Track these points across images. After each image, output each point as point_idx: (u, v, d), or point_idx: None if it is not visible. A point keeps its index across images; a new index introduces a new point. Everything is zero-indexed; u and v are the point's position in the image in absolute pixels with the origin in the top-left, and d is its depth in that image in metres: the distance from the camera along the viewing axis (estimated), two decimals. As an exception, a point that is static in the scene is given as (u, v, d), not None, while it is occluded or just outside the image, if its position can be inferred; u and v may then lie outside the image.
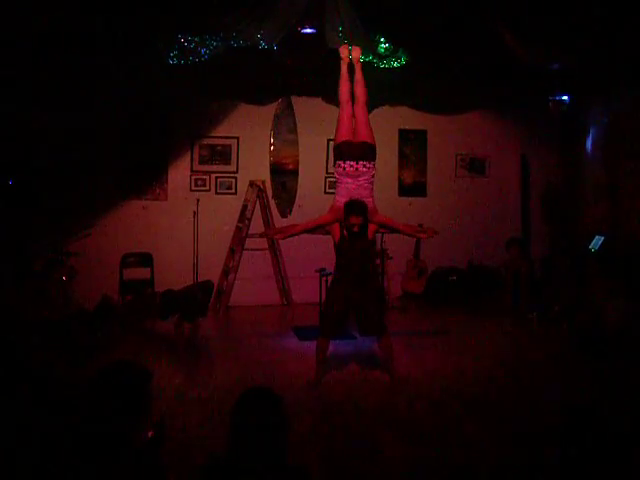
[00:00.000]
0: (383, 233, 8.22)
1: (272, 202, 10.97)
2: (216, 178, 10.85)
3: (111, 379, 2.89)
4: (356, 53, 7.27)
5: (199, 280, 9.74)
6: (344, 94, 7.14)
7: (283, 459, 2.68)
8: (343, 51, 7.29)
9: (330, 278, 7.38)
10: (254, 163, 10.96)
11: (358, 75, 7.19)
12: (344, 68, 7.24)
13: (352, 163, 6.86)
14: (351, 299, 6.76)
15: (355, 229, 6.60)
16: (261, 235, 8.20)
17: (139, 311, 8.94)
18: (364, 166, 6.83)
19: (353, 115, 7.08)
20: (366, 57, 9.06)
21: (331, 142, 9.80)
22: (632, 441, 2.61)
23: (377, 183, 11.11)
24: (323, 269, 9.70)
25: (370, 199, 6.80)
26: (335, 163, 7.00)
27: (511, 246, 10.77)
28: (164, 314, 8.82)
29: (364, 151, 6.89)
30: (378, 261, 10.59)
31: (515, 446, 5.13)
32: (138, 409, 2.88)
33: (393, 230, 7.11)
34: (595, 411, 2.60)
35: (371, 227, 6.79)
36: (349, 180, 6.84)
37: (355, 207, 6.60)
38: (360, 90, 7.12)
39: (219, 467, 2.71)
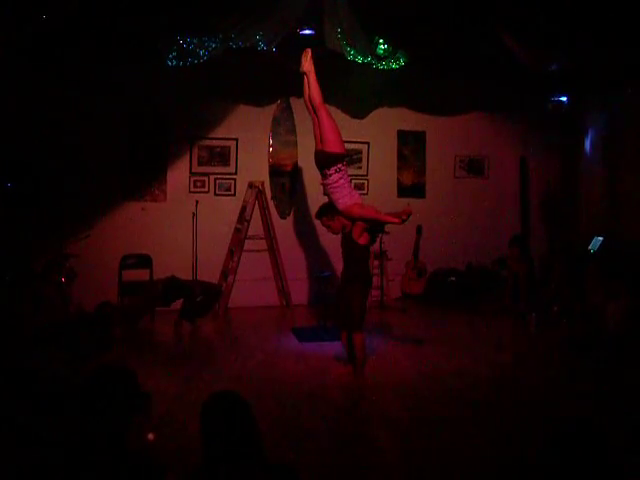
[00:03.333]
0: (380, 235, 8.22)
1: (271, 203, 10.97)
2: (215, 179, 10.84)
3: (96, 383, 2.91)
4: (306, 55, 6.89)
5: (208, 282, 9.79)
6: (305, 101, 7.08)
7: (259, 459, 2.69)
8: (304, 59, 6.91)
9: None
10: (253, 164, 10.96)
11: (310, 78, 6.88)
12: (305, 79, 6.95)
13: (320, 173, 7.05)
14: (342, 294, 7.15)
15: (330, 231, 7.28)
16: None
17: (143, 302, 8.97)
18: (323, 175, 6.92)
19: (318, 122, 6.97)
20: (365, 58, 9.08)
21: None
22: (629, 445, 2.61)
23: (376, 184, 11.33)
24: (322, 271, 9.72)
25: (343, 199, 6.82)
26: None
27: (512, 246, 10.78)
28: (167, 300, 8.85)
29: (319, 160, 6.99)
30: (377, 262, 10.62)
31: (513, 448, 5.14)
32: (128, 410, 2.89)
33: (371, 221, 6.95)
34: (592, 418, 2.61)
35: (359, 225, 6.87)
36: (324, 189, 7.10)
37: (317, 213, 7.36)
38: (313, 93, 6.87)
39: (199, 475, 2.73)
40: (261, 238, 10.76)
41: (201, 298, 8.90)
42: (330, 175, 6.82)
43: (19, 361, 6.59)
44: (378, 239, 9.66)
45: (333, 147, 6.86)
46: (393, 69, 9.50)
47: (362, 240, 6.95)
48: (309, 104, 6.98)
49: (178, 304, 9.42)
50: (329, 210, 7.12)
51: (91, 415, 2.82)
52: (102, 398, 2.84)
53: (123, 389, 2.91)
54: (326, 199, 7.23)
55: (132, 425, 2.91)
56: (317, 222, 7.60)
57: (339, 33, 8.37)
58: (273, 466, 2.77)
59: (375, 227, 6.97)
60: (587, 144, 11.22)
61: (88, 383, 2.92)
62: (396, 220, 6.67)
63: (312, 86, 6.88)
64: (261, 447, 2.71)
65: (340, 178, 6.81)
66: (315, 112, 6.92)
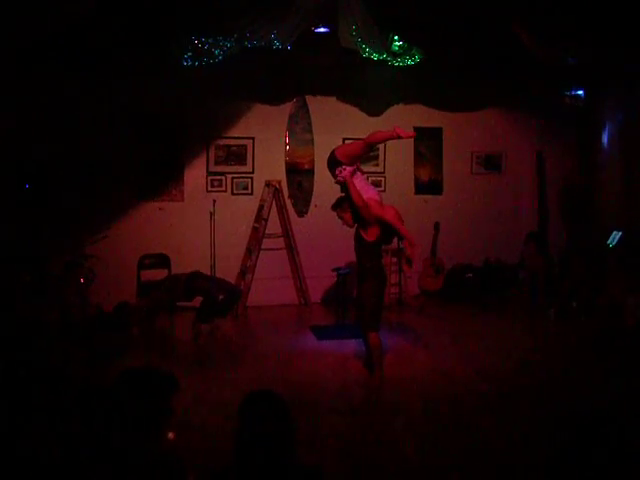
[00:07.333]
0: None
1: (288, 202, 10.97)
2: (232, 179, 10.86)
3: (139, 385, 2.95)
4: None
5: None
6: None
7: (292, 459, 2.70)
8: None
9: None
10: (270, 163, 10.96)
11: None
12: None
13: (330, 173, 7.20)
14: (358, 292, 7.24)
15: (344, 223, 7.24)
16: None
17: (165, 295, 8.96)
18: (333, 175, 7.07)
19: None
20: (380, 55, 9.08)
21: (346, 141, 9.89)
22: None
23: (393, 182, 11.30)
24: (339, 268, 9.72)
25: (364, 189, 6.93)
26: None
27: (528, 242, 10.73)
28: (188, 295, 8.83)
29: (327, 160, 7.16)
30: (395, 259, 10.63)
31: (534, 447, 5.12)
32: (162, 413, 2.92)
33: (389, 225, 6.93)
34: (609, 416, 2.60)
35: (374, 226, 6.86)
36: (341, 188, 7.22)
37: (333, 205, 7.36)
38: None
39: (229, 472, 2.73)
40: (279, 236, 10.78)
41: (222, 299, 8.78)
42: (337, 175, 6.95)
43: (39, 362, 6.64)
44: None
45: (342, 153, 7.01)
46: (408, 66, 9.50)
47: (369, 237, 6.91)
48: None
49: (198, 300, 9.34)
50: (345, 202, 7.14)
51: (132, 415, 2.85)
52: (146, 399, 2.89)
53: (164, 391, 2.96)
54: (342, 195, 7.25)
55: (167, 425, 2.95)
56: (335, 220, 7.56)
57: (354, 30, 8.37)
58: (300, 466, 2.78)
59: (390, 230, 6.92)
60: (604, 138, 11.13)
61: (128, 383, 2.96)
62: (410, 237, 6.82)
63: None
64: (295, 447, 2.72)
65: (349, 173, 6.86)
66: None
